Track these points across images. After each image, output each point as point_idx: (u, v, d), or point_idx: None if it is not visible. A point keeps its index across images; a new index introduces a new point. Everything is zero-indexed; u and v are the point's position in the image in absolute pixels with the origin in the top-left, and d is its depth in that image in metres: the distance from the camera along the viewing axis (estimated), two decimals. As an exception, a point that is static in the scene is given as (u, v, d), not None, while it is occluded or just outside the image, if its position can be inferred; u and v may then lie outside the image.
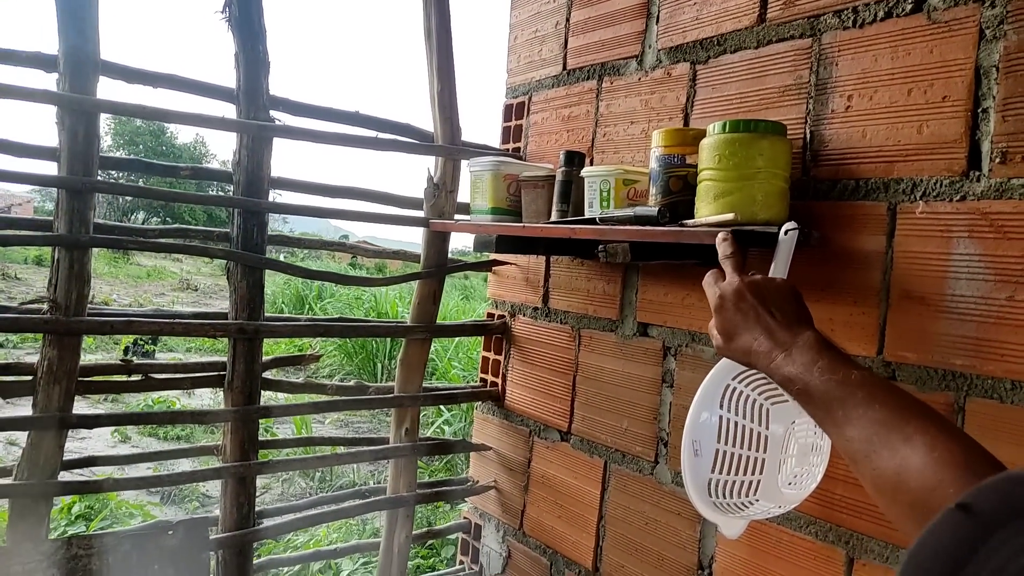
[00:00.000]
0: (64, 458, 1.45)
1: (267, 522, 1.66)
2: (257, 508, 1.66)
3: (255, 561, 1.68)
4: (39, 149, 1.39)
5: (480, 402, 1.99)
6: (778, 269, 1.13)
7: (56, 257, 1.39)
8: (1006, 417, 1.01)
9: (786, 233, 1.12)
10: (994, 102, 1.04)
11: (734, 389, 1.08)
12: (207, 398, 5.86)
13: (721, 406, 1.08)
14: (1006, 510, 0.41)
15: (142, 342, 7.17)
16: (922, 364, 1.10)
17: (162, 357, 7.29)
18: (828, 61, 1.24)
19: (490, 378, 1.99)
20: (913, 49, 1.13)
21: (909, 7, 1.14)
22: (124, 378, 1.53)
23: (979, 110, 1.06)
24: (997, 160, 1.03)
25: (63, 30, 1.35)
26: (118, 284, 13.73)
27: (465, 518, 2.04)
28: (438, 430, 5.00)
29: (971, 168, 1.06)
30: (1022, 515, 0.40)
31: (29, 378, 1.42)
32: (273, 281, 10.66)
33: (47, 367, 1.40)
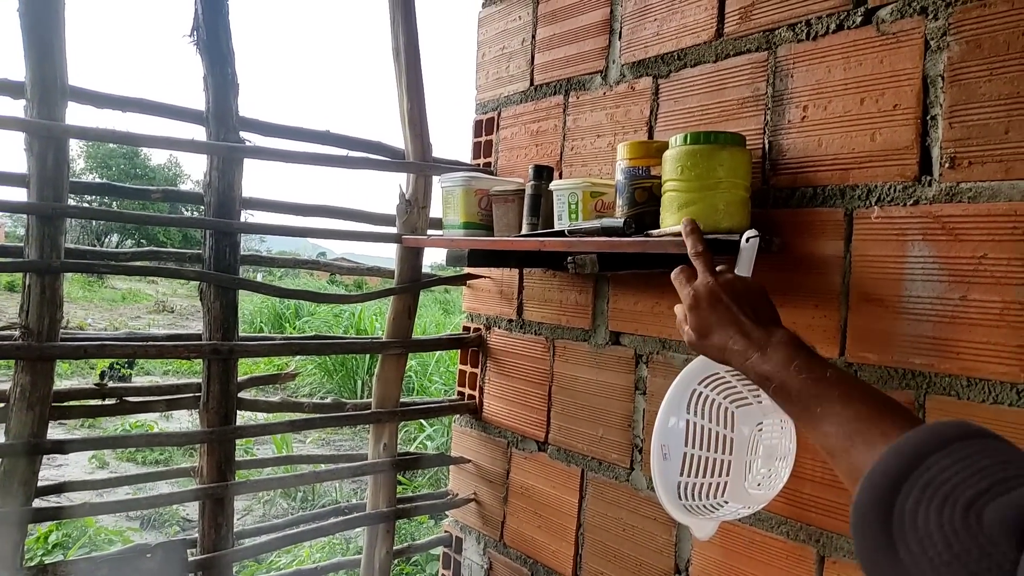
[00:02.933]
0: (39, 484, 1.44)
1: (247, 542, 1.66)
2: (237, 529, 1.66)
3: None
4: (8, 176, 1.39)
5: (458, 415, 2.00)
6: (740, 274, 1.16)
7: (27, 283, 1.39)
8: (963, 412, 1.04)
9: (748, 240, 1.15)
10: (941, 109, 1.08)
11: (700, 393, 1.11)
12: (185, 421, 5.81)
13: (688, 410, 1.10)
14: (934, 441, 0.55)
15: (118, 366, 7.08)
16: (883, 364, 1.13)
17: (139, 381, 7.21)
18: (784, 73, 1.28)
19: (467, 391, 2.01)
20: (864, 60, 1.17)
21: (859, 19, 1.18)
22: (100, 402, 1.52)
23: (928, 117, 1.10)
24: (946, 165, 1.07)
25: (30, 56, 1.36)
26: (93, 308, 13.55)
27: (446, 532, 2.04)
28: (420, 445, 4.99)
29: (922, 173, 1.10)
30: (945, 445, 0.54)
31: (1, 405, 1.42)
32: (251, 300, 10.58)
33: (19, 393, 1.39)
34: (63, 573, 1.40)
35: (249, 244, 1.56)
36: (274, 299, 9.98)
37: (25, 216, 1.41)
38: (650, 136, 1.52)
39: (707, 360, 1.16)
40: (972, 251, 1.04)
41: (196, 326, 1.63)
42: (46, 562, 1.45)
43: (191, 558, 1.56)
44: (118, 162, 28.53)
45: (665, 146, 1.28)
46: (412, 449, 4.60)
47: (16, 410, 1.39)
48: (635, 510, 1.52)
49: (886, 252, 1.13)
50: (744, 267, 1.15)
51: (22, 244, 1.41)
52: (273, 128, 1.70)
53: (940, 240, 1.08)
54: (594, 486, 1.62)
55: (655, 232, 1.23)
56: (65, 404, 1.48)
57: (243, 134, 1.63)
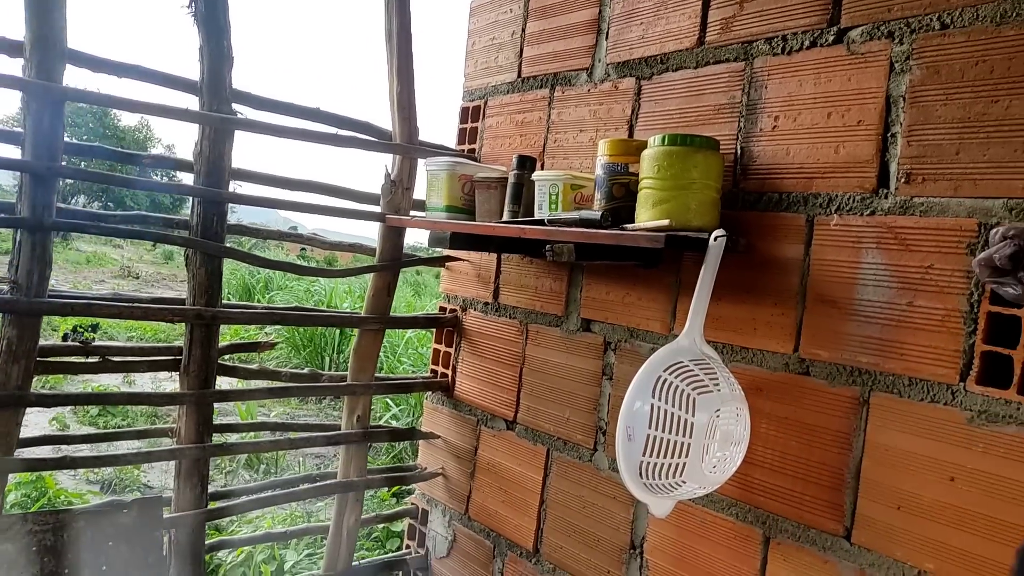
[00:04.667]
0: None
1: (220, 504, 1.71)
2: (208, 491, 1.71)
3: (207, 542, 1.72)
4: (3, 133, 1.42)
5: (431, 392, 2.06)
6: (707, 272, 1.24)
7: (18, 239, 1.42)
8: (902, 409, 1.14)
9: (715, 239, 1.23)
10: (901, 128, 1.17)
11: (665, 380, 1.19)
12: (147, 386, 5.78)
13: (653, 395, 1.18)
14: None
15: (81, 329, 7.01)
16: (833, 361, 1.22)
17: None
18: (759, 84, 1.36)
19: (440, 369, 2.07)
20: (834, 77, 1.25)
21: (832, 38, 1.26)
22: (83, 359, 1.56)
23: (888, 134, 1.18)
24: (903, 180, 1.16)
25: (31, 17, 1.38)
26: (57, 269, 13.26)
27: (413, 504, 2.11)
28: (387, 423, 5.05)
29: (880, 186, 1.19)
30: None
31: (-16, 358, 1.45)
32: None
33: (6, 346, 1.42)
34: (42, 523, 1.44)
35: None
36: (243, 270, 9.92)
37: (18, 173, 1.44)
38: (630, 135, 1.59)
39: (673, 348, 1.25)
40: (920, 261, 1.13)
41: (162, 292, 1.66)
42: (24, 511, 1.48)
43: (166, 515, 1.60)
44: (87, 120, 27.86)
45: (644, 145, 1.35)
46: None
47: (3, 363, 1.43)
48: (596, 488, 1.60)
49: (842, 257, 1.22)
50: (710, 264, 1.24)
51: (13, 201, 1.44)
52: (265, 102, 1.74)
53: (892, 249, 1.16)
54: (558, 465, 1.70)
55: (630, 226, 1.31)
56: (49, 360, 1.51)
57: (235, 106, 1.66)
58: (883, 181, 1.18)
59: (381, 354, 1.95)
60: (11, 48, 1.41)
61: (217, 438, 1.70)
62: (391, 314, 1.93)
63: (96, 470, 4.07)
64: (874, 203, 1.19)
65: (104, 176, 1.61)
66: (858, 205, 1.21)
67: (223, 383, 1.71)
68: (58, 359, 1.55)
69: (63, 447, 3.23)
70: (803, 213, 1.28)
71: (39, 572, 1.43)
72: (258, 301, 9.33)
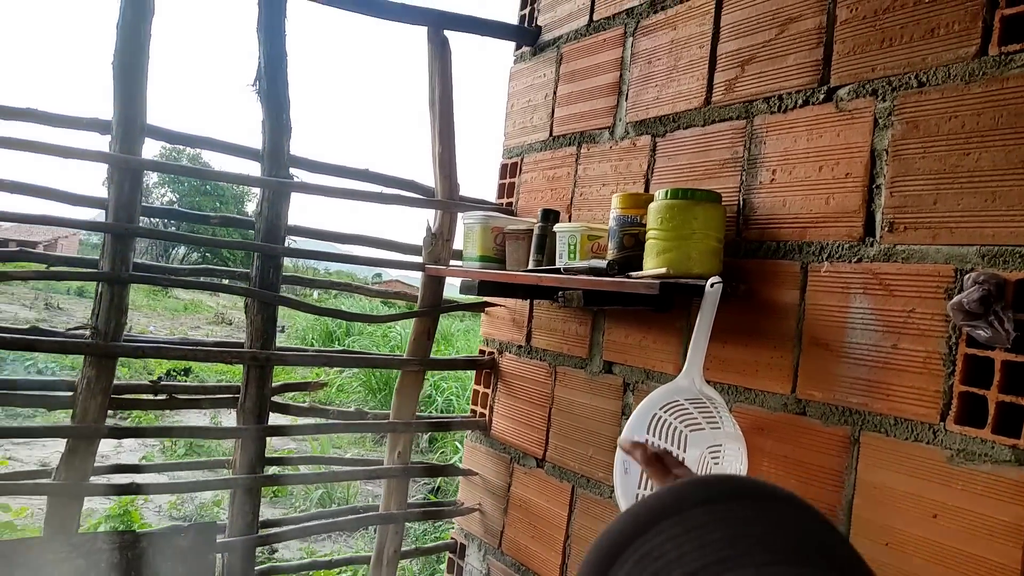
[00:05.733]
0: (95, 464, 1.67)
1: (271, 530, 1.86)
2: (261, 519, 1.86)
3: (257, 568, 1.87)
4: (90, 199, 1.65)
5: (470, 431, 2.18)
6: (704, 316, 1.32)
7: (99, 291, 1.63)
8: (889, 448, 1.18)
9: (712, 286, 1.31)
10: (885, 180, 1.23)
11: (659, 418, 1.27)
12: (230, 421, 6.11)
13: (648, 431, 1.26)
14: (674, 503, 0.48)
15: (175, 373, 7.49)
16: (826, 402, 1.27)
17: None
18: (758, 140, 1.44)
19: (479, 409, 2.18)
20: (824, 132, 1.33)
21: (822, 97, 1.34)
22: (152, 397, 1.75)
23: (874, 186, 1.25)
24: (886, 229, 1.22)
25: (118, 100, 1.62)
26: (156, 317, 14.18)
27: (452, 539, 2.21)
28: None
29: (867, 235, 1.25)
30: (683, 509, 0.47)
31: (70, 394, 1.66)
32: (305, 318, 11.10)
33: (86, 384, 1.63)
34: (110, 542, 1.62)
35: (307, 266, 1.78)
36: (327, 318, 10.40)
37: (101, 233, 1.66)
38: (646, 188, 1.69)
39: (670, 388, 1.33)
40: (903, 305, 1.18)
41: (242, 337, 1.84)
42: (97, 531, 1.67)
43: (219, 539, 1.76)
44: (190, 179, 29.84)
45: (650, 199, 1.45)
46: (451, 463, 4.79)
47: (83, 398, 1.63)
48: (615, 525, 1.66)
49: (833, 302, 1.28)
50: (707, 309, 1.32)
51: (97, 257, 1.66)
52: (319, 166, 1.93)
53: (877, 294, 1.22)
54: (582, 501, 1.77)
55: (635, 274, 1.40)
56: (123, 396, 1.71)
57: (292, 170, 1.86)
58: (869, 230, 1.25)
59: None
60: (102, 127, 1.64)
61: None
62: (433, 357, 2.06)
63: (179, 507, 4.36)
64: (861, 251, 1.25)
65: (176, 236, 1.83)
66: (847, 252, 1.27)
67: (277, 419, 1.87)
68: (131, 396, 1.74)
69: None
70: (798, 260, 1.34)
71: (109, 586, 1.60)
72: (337, 345, 9.73)
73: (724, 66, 1.54)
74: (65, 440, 1.63)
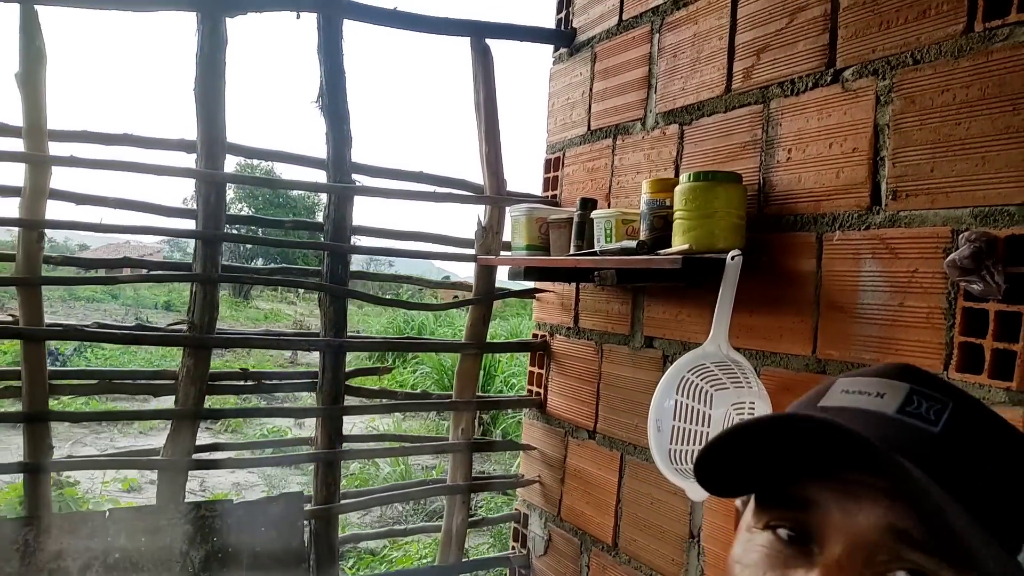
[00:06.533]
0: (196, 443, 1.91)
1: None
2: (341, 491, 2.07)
3: (340, 535, 2.08)
4: (183, 210, 1.88)
5: (527, 409, 2.34)
6: (727, 286, 1.45)
7: (193, 290, 1.87)
8: (900, 399, 1.28)
9: (732, 258, 1.44)
10: (888, 152, 1.33)
11: (687, 380, 1.40)
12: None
13: (677, 392, 1.40)
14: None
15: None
16: (843, 360, 1.38)
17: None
18: (775, 122, 1.56)
19: (535, 389, 2.34)
20: (833, 112, 1.44)
21: (830, 79, 1.45)
22: (243, 383, 1.98)
23: (878, 158, 1.35)
24: (890, 197, 1.32)
25: (200, 122, 1.85)
26: (239, 325, 14.91)
27: (516, 510, 2.38)
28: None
29: (873, 204, 1.35)
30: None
31: (172, 381, 1.90)
32: (378, 319, 11.75)
33: (185, 372, 1.87)
34: (211, 510, 1.85)
35: (380, 267, 1.99)
36: (399, 318, 10.84)
37: (180, 242, 1.89)
38: (676, 173, 1.82)
39: (697, 353, 1.46)
40: (907, 266, 1.28)
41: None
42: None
43: (306, 507, 1.97)
44: (263, 193, 31.02)
45: (677, 183, 1.58)
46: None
47: (183, 385, 1.87)
48: (659, 486, 1.80)
49: (846, 268, 1.39)
50: (729, 280, 1.44)
51: (189, 262, 1.89)
52: (378, 170, 2.13)
53: (884, 258, 1.32)
54: (630, 467, 1.91)
55: (662, 252, 1.54)
56: (218, 383, 1.95)
57: (354, 176, 2.06)
58: (875, 199, 1.35)
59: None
60: (188, 147, 1.87)
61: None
62: (487, 341, 2.23)
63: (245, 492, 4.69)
64: (868, 219, 1.35)
65: (256, 239, 2.06)
66: (856, 221, 1.38)
67: (352, 401, 2.08)
68: (225, 382, 1.98)
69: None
70: (813, 232, 1.45)
71: (210, 548, 1.83)
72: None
73: (741, 55, 1.65)
74: (169, 421, 1.88)
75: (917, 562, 0.47)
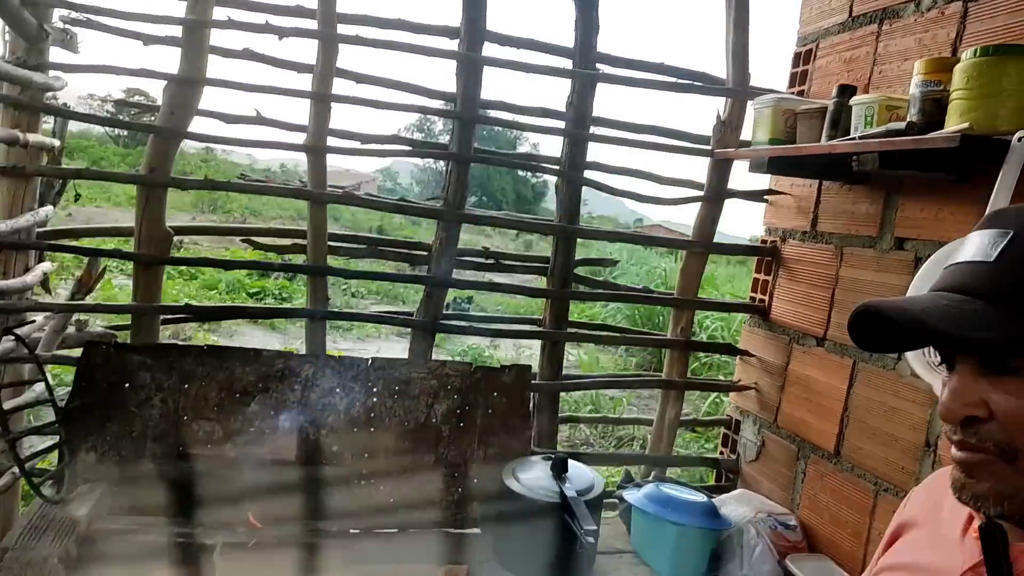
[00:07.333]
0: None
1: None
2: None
3: (560, 414, 2.22)
4: (443, 93, 2.03)
5: (749, 316, 2.30)
6: (1008, 171, 1.31)
7: (449, 169, 2.03)
8: None
9: (1019, 140, 1.30)
10: None
11: (952, 267, 1.30)
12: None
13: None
14: None
15: (460, 299, 8.48)
16: None
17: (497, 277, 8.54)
18: (1093, -12, 1.35)
19: (758, 296, 2.29)
20: None
21: None
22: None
23: None
24: None
25: (465, 8, 1.96)
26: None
27: (727, 416, 2.37)
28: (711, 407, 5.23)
29: None
30: None
31: (426, 253, 2.09)
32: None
33: (438, 244, 2.05)
34: (455, 370, 2.04)
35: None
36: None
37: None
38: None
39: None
40: None
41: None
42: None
43: (533, 381, 2.12)
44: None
45: (957, 62, 1.44)
46: (705, 407, 4.87)
47: (436, 255, 2.06)
48: (897, 393, 1.71)
49: None
50: (1012, 166, 1.30)
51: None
52: (620, 60, 2.14)
53: None
54: (863, 374, 1.83)
55: (932, 133, 1.42)
56: (464, 259, 2.12)
57: (598, 65, 2.09)
58: None
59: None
60: (452, 32, 2.00)
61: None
62: (714, 241, 2.21)
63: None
64: None
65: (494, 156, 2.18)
66: None
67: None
68: (470, 259, 2.15)
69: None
70: None
71: (452, 403, 2.03)
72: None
73: (1057, -85, 1.44)
74: (423, 288, 2.08)
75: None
